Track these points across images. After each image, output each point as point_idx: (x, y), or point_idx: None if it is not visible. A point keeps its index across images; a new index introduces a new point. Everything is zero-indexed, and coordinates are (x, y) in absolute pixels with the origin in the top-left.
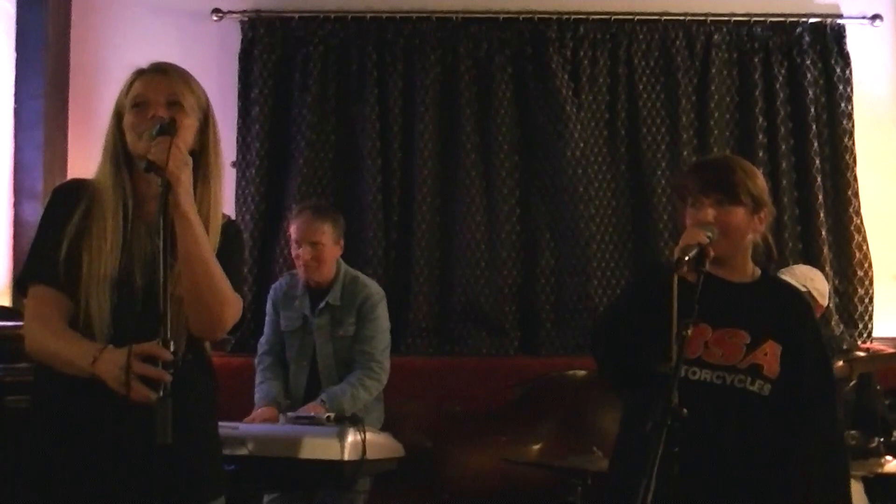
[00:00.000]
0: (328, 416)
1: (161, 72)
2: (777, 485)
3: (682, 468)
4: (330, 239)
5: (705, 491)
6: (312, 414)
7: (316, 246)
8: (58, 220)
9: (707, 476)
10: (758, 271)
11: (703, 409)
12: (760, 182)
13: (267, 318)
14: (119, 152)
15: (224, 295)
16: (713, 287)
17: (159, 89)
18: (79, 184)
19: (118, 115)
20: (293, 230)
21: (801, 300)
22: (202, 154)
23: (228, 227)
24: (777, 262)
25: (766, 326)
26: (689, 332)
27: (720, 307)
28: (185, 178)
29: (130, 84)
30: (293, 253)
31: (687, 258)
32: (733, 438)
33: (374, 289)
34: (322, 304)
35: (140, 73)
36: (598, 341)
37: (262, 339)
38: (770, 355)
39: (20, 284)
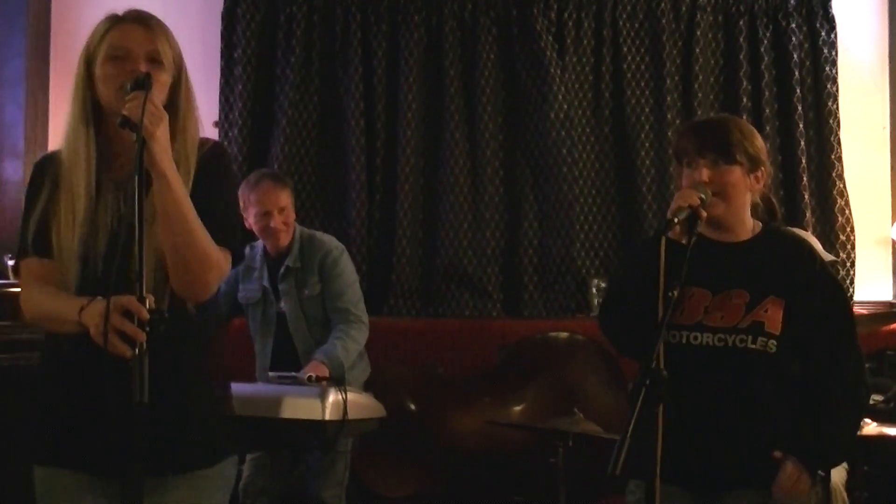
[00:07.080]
0: (309, 377)
1: (141, 22)
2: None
3: (690, 430)
4: (292, 203)
5: (713, 452)
6: (294, 374)
7: (283, 211)
8: (32, 196)
9: (715, 438)
10: (758, 226)
11: (708, 372)
12: (758, 142)
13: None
14: (88, 104)
15: (206, 254)
16: (712, 251)
17: (140, 42)
18: (49, 157)
19: (88, 63)
20: (256, 201)
21: (801, 248)
22: (175, 110)
23: (208, 151)
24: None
25: (766, 283)
26: (675, 293)
27: (719, 270)
28: (161, 134)
29: (105, 31)
30: (258, 224)
31: (677, 220)
32: (740, 399)
33: (333, 244)
34: (283, 269)
35: (118, 21)
36: (605, 313)
37: None
38: (771, 311)
39: (16, 266)
